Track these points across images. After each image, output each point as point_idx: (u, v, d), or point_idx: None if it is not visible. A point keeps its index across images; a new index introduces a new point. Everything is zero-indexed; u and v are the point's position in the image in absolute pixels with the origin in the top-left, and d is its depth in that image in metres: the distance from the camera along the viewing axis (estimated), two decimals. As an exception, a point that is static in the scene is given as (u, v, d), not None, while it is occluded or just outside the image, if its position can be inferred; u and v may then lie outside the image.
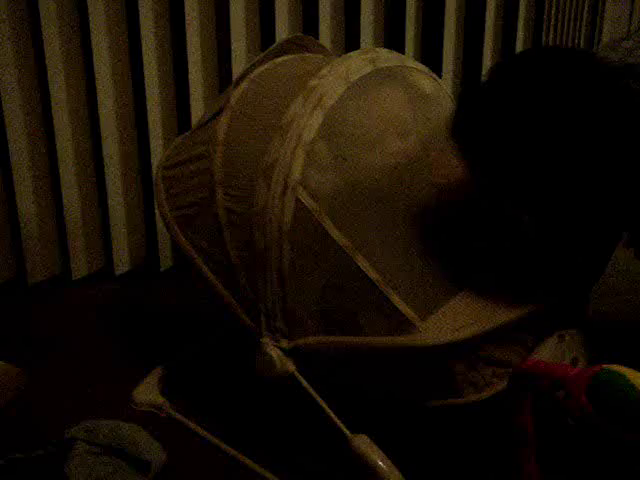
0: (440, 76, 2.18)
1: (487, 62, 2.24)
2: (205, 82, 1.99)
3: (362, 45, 2.10)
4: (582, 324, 1.23)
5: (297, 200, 1.15)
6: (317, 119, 1.17)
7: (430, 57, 2.18)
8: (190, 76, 1.96)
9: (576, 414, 1.00)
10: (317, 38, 2.03)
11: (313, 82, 1.20)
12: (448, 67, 2.22)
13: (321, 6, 2.03)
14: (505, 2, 2.21)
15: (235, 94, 1.28)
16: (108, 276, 2.07)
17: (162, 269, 2.12)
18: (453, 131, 1.13)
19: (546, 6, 2.20)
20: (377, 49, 1.30)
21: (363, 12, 2.07)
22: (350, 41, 2.09)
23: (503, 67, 1.10)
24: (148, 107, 1.96)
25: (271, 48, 1.35)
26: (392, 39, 2.16)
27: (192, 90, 1.98)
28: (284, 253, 1.17)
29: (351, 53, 1.27)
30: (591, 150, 1.00)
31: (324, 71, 1.22)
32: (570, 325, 1.21)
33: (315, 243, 1.16)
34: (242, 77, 1.30)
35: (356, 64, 1.24)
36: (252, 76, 1.30)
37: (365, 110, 1.22)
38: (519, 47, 2.25)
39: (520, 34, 2.24)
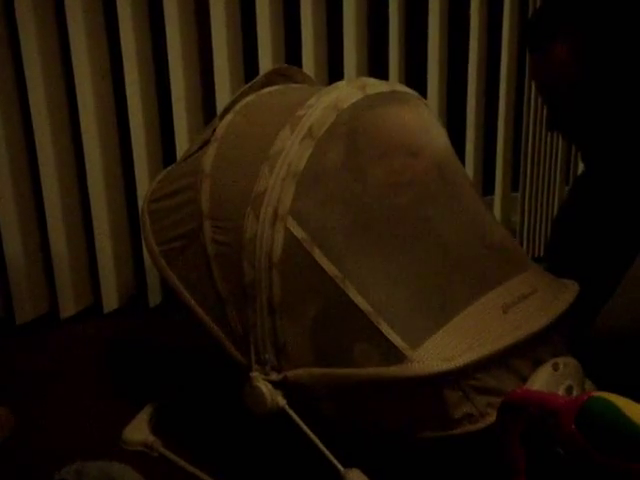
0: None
1: (472, 87, 2.24)
2: (189, 115, 1.99)
3: (346, 75, 2.10)
4: (577, 351, 1.22)
5: (287, 230, 1.15)
6: (307, 149, 1.17)
7: (414, 84, 2.18)
8: (174, 109, 1.96)
9: (566, 443, 0.99)
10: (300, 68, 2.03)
11: (301, 112, 1.20)
12: (433, 93, 2.22)
13: (304, 37, 2.03)
14: (488, 23, 2.22)
15: (221, 126, 1.28)
16: (97, 314, 2.05)
17: (151, 305, 2.10)
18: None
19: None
20: (364, 78, 1.30)
21: (346, 42, 2.07)
22: (333, 71, 2.10)
23: None
24: (133, 141, 1.96)
25: (256, 79, 1.36)
26: (375, 68, 2.16)
27: (177, 123, 1.98)
28: (274, 284, 1.16)
29: (338, 83, 1.27)
30: None
31: (312, 100, 1.21)
32: (565, 352, 1.21)
33: (305, 273, 1.15)
34: (228, 109, 1.30)
35: (345, 92, 1.23)
36: (238, 107, 1.30)
37: (356, 140, 1.22)
38: (503, 73, 2.25)
39: (504, 58, 2.25)
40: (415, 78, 2.20)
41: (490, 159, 2.35)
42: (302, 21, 2.02)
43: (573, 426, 0.96)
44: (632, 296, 1.41)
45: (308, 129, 1.18)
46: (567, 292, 1.24)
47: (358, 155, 1.21)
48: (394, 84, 1.33)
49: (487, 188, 2.38)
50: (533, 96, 2.27)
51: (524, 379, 1.14)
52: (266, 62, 2.00)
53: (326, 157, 1.19)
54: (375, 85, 1.27)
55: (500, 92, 2.28)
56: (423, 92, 2.20)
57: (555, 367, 1.14)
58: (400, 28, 2.13)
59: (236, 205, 1.19)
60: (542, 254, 2.42)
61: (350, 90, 1.24)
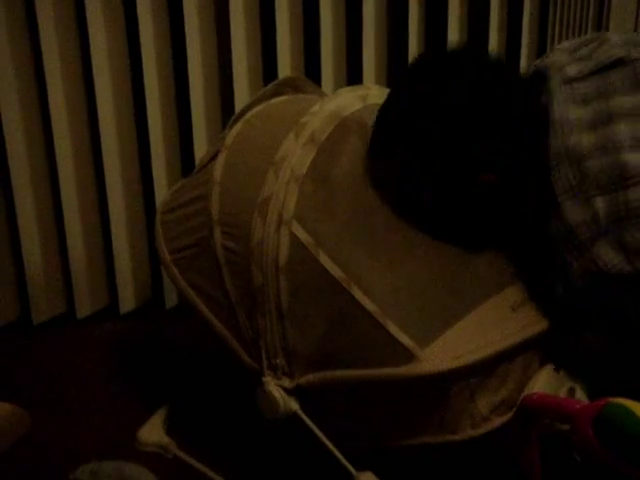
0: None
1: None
2: (208, 123, 2.00)
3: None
4: (578, 352, 1.23)
5: (292, 234, 1.17)
6: (309, 154, 1.20)
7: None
8: (193, 116, 1.98)
9: (582, 449, 1.00)
10: (319, 78, 2.04)
11: (305, 119, 1.23)
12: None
13: (323, 46, 2.04)
14: (508, 33, 2.22)
15: (230, 135, 1.31)
16: (113, 314, 2.07)
17: (167, 307, 2.11)
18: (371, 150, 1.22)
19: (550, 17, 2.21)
20: (368, 85, 1.34)
21: (365, 52, 2.08)
22: (352, 81, 2.10)
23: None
24: (152, 148, 1.97)
25: (265, 89, 1.38)
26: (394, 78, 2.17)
27: (195, 130, 1.99)
28: (281, 288, 1.18)
29: (341, 90, 1.30)
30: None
31: (315, 108, 1.25)
32: (567, 352, 1.21)
33: (311, 277, 1.17)
34: (237, 118, 1.33)
35: (347, 100, 1.27)
36: (247, 117, 1.32)
37: (357, 145, 1.24)
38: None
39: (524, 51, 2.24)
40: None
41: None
42: (322, 31, 2.03)
43: (590, 432, 0.97)
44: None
45: (310, 135, 1.21)
46: None
47: (357, 160, 1.23)
48: None
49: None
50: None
51: (529, 377, 1.15)
52: (285, 71, 2.01)
53: (327, 161, 1.21)
54: (376, 95, 1.31)
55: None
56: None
57: (557, 368, 1.15)
58: (420, 39, 2.13)
59: (244, 211, 1.22)
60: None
61: (352, 99, 1.28)
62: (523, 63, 2.23)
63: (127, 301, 2.08)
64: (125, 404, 1.63)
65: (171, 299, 2.12)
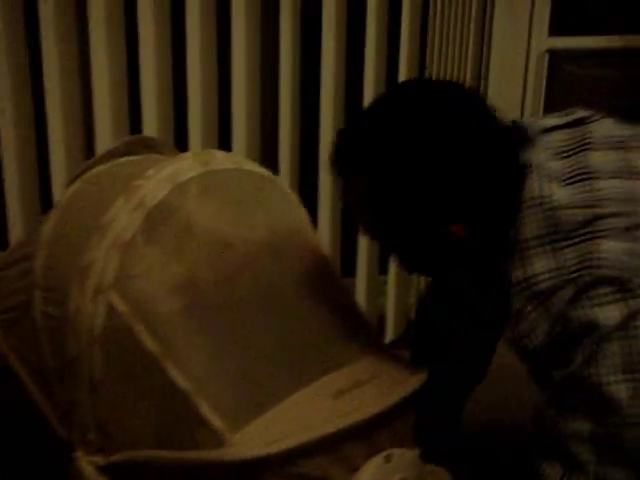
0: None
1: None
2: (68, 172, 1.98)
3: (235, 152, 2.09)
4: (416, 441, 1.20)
5: (109, 304, 1.11)
6: (137, 219, 1.15)
7: (306, 179, 2.18)
8: (52, 170, 1.95)
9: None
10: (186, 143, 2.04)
11: (137, 182, 1.18)
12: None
13: (190, 114, 2.03)
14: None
15: (66, 194, 1.26)
16: None
17: None
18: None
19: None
20: (213, 151, 1.30)
21: (235, 116, 2.07)
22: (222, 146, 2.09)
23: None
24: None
25: (113, 147, 1.34)
26: (266, 154, 2.16)
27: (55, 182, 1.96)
28: (95, 360, 1.11)
29: (184, 154, 1.27)
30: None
31: (151, 171, 1.20)
32: (406, 441, 1.18)
33: (126, 350, 1.11)
34: (76, 177, 1.29)
35: (186, 165, 1.23)
36: (87, 176, 1.28)
37: (190, 211, 1.20)
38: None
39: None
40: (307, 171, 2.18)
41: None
42: (189, 94, 2.03)
43: None
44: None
45: (140, 200, 1.16)
46: (411, 379, 1.22)
47: (189, 225, 1.19)
48: (242, 161, 1.33)
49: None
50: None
51: (356, 468, 1.10)
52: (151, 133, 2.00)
53: (155, 227, 1.16)
54: (221, 160, 1.27)
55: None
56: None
57: (388, 459, 1.11)
58: (294, 104, 2.13)
59: (66, 276, 1.16)
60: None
61: (192, 164, 1.23)
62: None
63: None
64: None
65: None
